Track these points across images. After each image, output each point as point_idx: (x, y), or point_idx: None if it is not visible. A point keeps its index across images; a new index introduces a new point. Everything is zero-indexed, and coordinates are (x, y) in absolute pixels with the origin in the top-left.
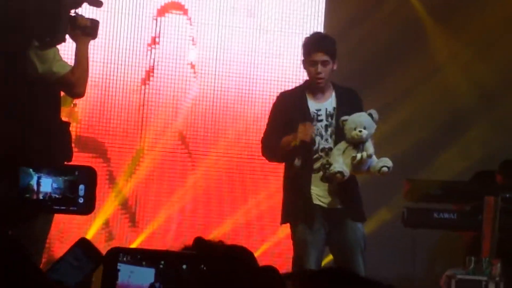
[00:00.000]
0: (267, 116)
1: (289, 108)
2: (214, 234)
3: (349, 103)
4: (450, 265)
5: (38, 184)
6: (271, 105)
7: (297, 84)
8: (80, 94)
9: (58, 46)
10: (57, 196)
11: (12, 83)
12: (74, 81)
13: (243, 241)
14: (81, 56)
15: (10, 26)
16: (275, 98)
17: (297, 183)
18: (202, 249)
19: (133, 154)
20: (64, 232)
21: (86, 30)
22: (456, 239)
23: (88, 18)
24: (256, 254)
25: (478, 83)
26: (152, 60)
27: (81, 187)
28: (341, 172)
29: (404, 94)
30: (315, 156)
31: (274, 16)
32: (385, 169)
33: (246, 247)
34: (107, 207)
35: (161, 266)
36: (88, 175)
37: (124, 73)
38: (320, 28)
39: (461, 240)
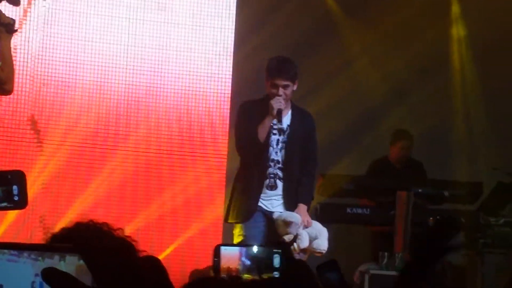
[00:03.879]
0: (178, 111)
1: (253, 120)
2: (129, 228)
3: (301, 123)
4: (363, 260)
5: None
6: (182, 100)
7: (207, 78)
8: (10, 91)
9: None
10: None
11: None
12: (3, 78)
13: (158, 235)
14: (7, 53)
15: None
16: (186, 92)
17: (251, 186)
18: (80, 241)
19: (41, 149)
20: None
21: (9, 27)
22: (368, 234)
23: (8, 16)
24: (169, 250)
25: (389, 76)
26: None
27: (15, 187)
28: None
29: (316, 88)
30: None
31: (185, 9)
32: (318, 254)
33: (129, 238)
34: None
35: (39, 260)
36: (19, 177)
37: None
38: (232, 21)
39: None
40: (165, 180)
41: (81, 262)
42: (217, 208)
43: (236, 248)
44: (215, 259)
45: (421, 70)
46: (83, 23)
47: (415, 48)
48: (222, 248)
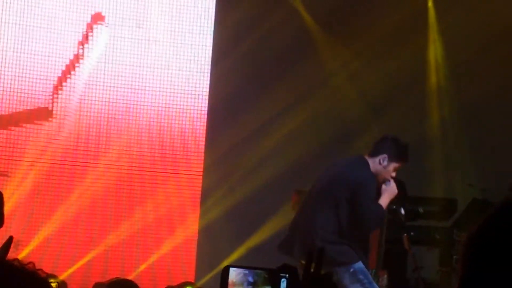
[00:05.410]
0: (154, 128)
1: None
2: (102, 245)
3: None
4: None
5: None
6: (159, 116)
7: (184, 94)
8: None
9: None
10: None
11: None
12: None
13: (131, 252)
14: None
15: None
16: (163, 109)
17: None
18: None
19: (18, 166)
20: None
21: None
22: None
23: None
24: (141, 268)
25: (366, 93)
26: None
27: None
28: None
29: (293, 104)
30: None
31: (163, 27)
32: None
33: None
34: None
35: None
36: None
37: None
38: (210, 39)
39: None
40: (137, 197)
41: None
42: (191, 225)
43: (245, 270)
44: (223, 279)
45: (398, 87)
46: (60, 39)
47: (392, 64)
48: (231, 269)
